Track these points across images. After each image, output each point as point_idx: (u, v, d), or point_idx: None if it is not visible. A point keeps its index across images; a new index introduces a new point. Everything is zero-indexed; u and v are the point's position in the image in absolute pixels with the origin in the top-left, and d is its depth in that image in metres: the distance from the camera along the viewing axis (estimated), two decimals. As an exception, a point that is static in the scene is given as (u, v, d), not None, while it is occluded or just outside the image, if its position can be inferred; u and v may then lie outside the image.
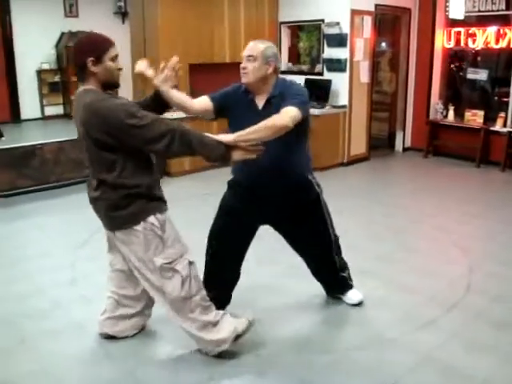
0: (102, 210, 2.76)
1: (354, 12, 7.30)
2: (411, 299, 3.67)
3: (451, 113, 8.05)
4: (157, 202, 2.77)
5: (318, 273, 3.54)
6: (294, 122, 2.77)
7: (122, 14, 11.24)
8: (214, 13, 7.31)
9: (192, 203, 5.80)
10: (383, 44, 9.03)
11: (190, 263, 2.82)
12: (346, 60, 7.42)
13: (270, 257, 4.19)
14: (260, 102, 3.01)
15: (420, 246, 4.69)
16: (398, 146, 8.81)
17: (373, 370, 2.88)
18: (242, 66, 2.98)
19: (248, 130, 2.72)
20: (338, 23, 7.36)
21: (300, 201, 3.17)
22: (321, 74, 7.81)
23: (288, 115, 2.77)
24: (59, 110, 10.98)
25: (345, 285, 3.56)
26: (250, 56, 2.94)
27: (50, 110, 10.83)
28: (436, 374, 2.84)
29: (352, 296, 3.56)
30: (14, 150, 6.31)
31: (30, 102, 10.54)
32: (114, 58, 2.65)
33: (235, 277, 3.38)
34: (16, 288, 3.87)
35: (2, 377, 2.84)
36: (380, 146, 8.83)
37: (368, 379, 2.81)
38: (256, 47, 2.95)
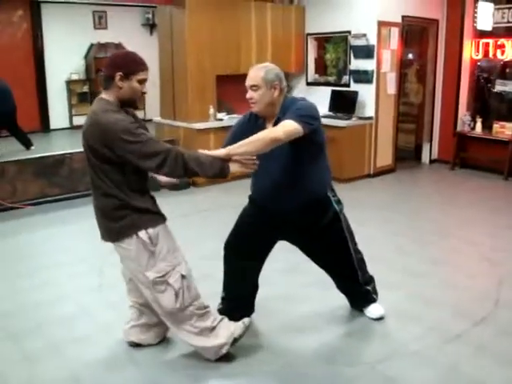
0: (99, 220, 2.82)
1: (380, 23, 7.30)
2: (437, 312, 3.62)
3: (479, 125, 7.96)
4: (149, 216, 2.78)
5: (340, 286, 3.52)
6: (288, 136, 2.76)
7: (150, 26, 11.43)
8: (241, 24, 7.37)
9: (217, 214, 5.82)
10: (410, 55, 9.00)
11: (183, 276, 2.83)
12: (372, 71, 7.41)
13: (298, 267, 4.17)
14: (269, 125, 3.02)
15: (447, 259, 4.64)
16: (425, 157, 8.74)
17: (400, 382, 2.85)
18: (248, 96, 2.97)
19: (240, 142, 2.75)
20: (364, 35, 7.36)
21: (317, 218, 3.13)
22: (347, 85, 7.80)
23: (282, 128, 2.76)
24: (87, 119, 11.16)
25: (368, 299, 3.53)
26: (253, 86, 2.93)
27: (78, 120, 10.98)
28: (464, 389, 2.81)
29: (373, 310, 3.52)
30: (43, 159, 6.45)
31: (59, 111, 10.75)
32: (142, 82, 2.72)
33: (252, 288, 3.38)
34: (44, 294, 3.93)
35: (33, 381, 2.88)
36: (406, 157, 8.77)
37: (394, 392, 2.79)
38: (257, 75, 2.93)
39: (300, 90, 8.42)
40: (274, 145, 2.75)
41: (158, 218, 2.83)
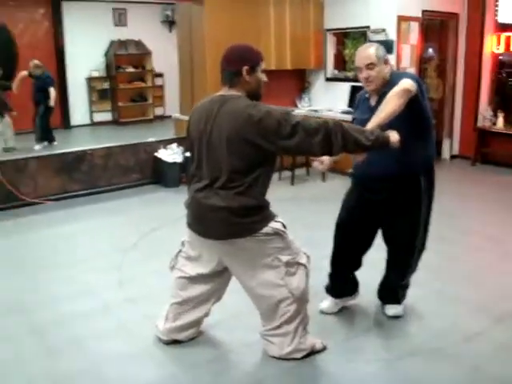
0: (219, 218, 2.70)
1: (400, 18, 7.24)
2: (459, 310, 3.60)
3: (500, 120, 7.86)
4: (270, 210, 2.83)
5: (386, 275, 3.49)
6: (413, 88, 2.84)
7: (169, 23, 11.46)
8: (259, 21, 7.36)
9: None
10: (430, 50, 8.90)
11: (308, 257, 2.94)
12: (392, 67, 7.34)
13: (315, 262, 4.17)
14: (373, 98, 3.15)
15: (469, 256, 4.59)
16: (445, 153, 8.66)
17: (419, 380, 2.84)
18: (363, 76, 3.07)
19: (379, 110, 2.83)
20: (384, 30, 7.30)
21: (401, 195, 3.16)
22: (366, 80, 7.74)
23: (405, 83, 2.84)
24: (107, 116, 11.26)
25: (396, 298, 3.49)
26: (370, 64, 3.03)
27: (98, 117, 11.11)
28: (484, 386, 2.79)
29: (393, 308, 3.49)
30: (65, 155, 6.53)
31: (79, 108, 10.85)
32: (263, 71, 2.75)
33: (355, 266, 3.49)
34: (66, 289, 3.99)
35: (54, 375, 2.93)
36: (426, 153, 8.68)
37: (414, 389, 2.78)
38: (371, 53, 3.05)
39: (319, 86, 8.40)
40: (407, 96, 2.82)
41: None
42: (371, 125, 2.78)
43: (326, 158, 3.04)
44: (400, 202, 3.18)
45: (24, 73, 8.38)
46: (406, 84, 2.85)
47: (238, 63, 2.67)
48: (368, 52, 3.06)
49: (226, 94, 2.72)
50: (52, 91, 8.35)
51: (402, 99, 2.82)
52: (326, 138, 2.57)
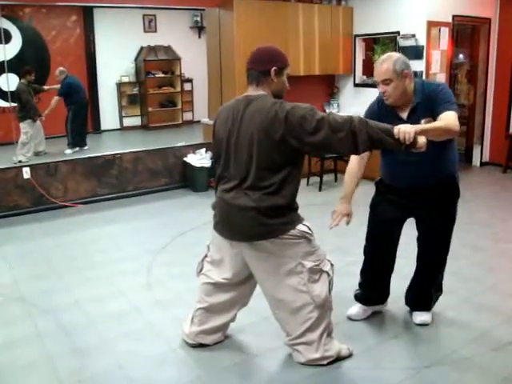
0: (247, 218, 2.69)
1: (430, 23, 7.17)
2: (488, 319, 3.54)
3: (533, 126, 7.74)
4: (299, 213, 2.82)
5: (416, 278, 3.46)
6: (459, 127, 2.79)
7: (199, 29, 11.53)
8: (288, 26, 7.37)
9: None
10: (461, 56, 8.81)
11: (332, 265, 2.91)
12: (421, 72, 7.28)
13: (341, 270, 4.15)
14: (403, 111, 3.05)
15: (499, 265, 4.52)
16: (476, 160, 8.54)
17: (447, 389, 2.81)
18: (380, 90, 3.02)
19: (429, 125, 2.74)
20: (413, 35, 7.25)
21: (441, 194, 3.15)
22: (395, 86, 7.69)
23: (455, 122, 2.76)
24: (137, 121, 11.37)
25: (426, 304, 3.46)
26: (385, 80, 2.96)
27: (128, 121, 11.22)
28: (514, 397, 2.74)
29: (421, 316, 3.46)
30: (95, 159, 6.62)
31: (109, 113, 10.98)
32: (287, 75, 2.78)
33: (386, 274, 3.47)
34: (94, 291, 4.04)
35: (81, 374, 2.97)
36: (456, 160, 8.58)
37: (441, 398, 2.75)
38: (387, 69, 2.94)
39: (348, 92, 8.37)
40: (448, 135, 2.80)
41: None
42: (419, 127, 2.64)
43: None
44: (440, 208, 3.17)
45: (56, 98, 8.57)
46: (455, 125, 2.76)
47: (267, 63, 2.70)
48: (384, 67, 2.96)
49: (252, 94, 2.73)
50: (55, 99, 8.46)
51: (442, 136, 2.79)
52: (351, 133, 2.52)
